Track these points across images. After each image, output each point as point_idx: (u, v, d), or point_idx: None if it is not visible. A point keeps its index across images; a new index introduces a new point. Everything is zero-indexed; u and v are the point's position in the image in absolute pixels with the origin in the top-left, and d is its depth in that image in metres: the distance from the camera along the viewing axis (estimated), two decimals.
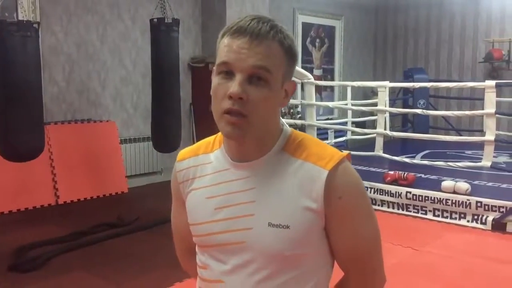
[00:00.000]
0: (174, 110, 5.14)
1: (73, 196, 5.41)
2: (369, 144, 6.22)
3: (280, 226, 0.95)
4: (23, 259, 3.61)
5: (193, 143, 6.07)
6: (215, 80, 0.96)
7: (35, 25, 4.05)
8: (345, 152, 1.00)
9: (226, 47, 0.94)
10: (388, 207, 5.03)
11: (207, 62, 6.70)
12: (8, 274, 3.42)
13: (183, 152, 1.12)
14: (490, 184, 5.09)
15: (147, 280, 3.31)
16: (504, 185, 4.97)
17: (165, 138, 5.19)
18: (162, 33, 4.94)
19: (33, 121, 4.04)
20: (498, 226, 4.38)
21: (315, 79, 6.43)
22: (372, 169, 5.67)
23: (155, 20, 4.96)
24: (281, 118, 1.07)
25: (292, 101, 6.52)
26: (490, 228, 4.40)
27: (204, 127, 6.67)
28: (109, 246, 4.04)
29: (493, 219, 4.41)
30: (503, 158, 6.40)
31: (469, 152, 6.67)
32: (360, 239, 1.00)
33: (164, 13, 5.03)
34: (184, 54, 6.36)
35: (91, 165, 5.64)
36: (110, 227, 4.45)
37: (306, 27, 8.58)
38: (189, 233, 1.08)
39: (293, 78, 1.03)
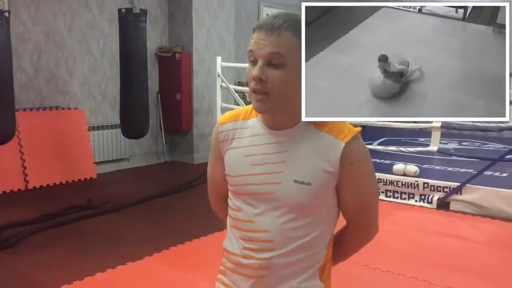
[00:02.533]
0: (142, 98, 5.32)
1: (42, 181, 5.55)
2: None
3: (303, 183, 1.20)
4: None
5: (161, 130, 6.39)
6: (248, 67, 1.24)
7: (6, 14, 4.17)
8: (359, 128, 1.28)
9: (252, 40, 1.19)
10: None
11: (174, 51, 6.89)
12: None
13: (224, 117, 1.37)
14: (437, 167, 5.51)
15: (118, 254, 3.53)
16: (450, 168, 5.40)
17: (133, 125, 5.37)
18: (130, 23, 5.10)
19: (4, 107, 4.18)
20: (443, 205, 4.80)
21: None
22: None
23: (123, 10, 5.12)
24: None
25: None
26: (435, 207, 4.82)
27: (171, 114, 6.88)
28: (81, 226, 4.23)
29: (438, 199, 4.82)
30: (452, 145, 6.87)
31: (422, 139, 7.11)
32: (363, 195, 1.27)
33: (132, 3, 5.19)
34: (151, 43, 6.53)
35: (60, 151, 5.77)
36: (80, 209, 4.63)
37: None
38: (222, 182, 1.35)
39: None
